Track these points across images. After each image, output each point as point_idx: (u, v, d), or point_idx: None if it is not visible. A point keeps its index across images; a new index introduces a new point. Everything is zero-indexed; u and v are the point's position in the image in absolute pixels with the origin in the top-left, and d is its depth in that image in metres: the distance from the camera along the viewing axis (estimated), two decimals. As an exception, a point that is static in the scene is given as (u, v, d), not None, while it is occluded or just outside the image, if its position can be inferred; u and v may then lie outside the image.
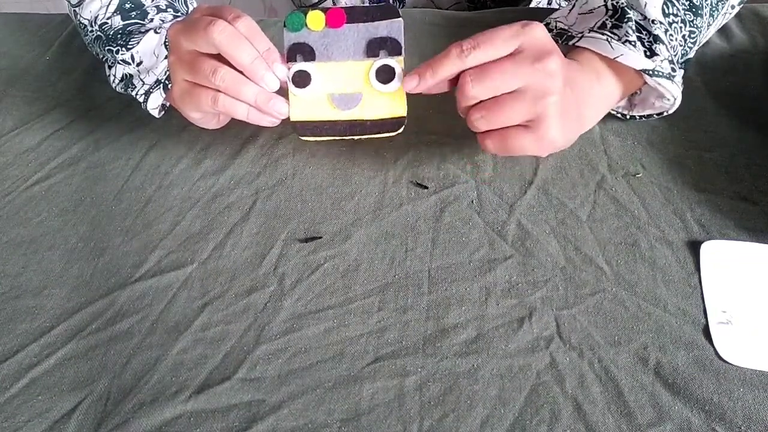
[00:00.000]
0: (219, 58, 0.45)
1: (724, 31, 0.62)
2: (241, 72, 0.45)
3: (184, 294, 0.47)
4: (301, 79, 0.47)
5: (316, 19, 0.47)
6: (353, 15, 0.47)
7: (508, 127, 0.44)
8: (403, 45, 0.47)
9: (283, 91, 0.48)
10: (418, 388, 0.41)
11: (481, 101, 0.44)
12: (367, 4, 0.47)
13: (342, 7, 0.47)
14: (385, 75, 0.47)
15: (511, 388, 0.41)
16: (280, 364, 0.43)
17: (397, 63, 0.47)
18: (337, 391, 0.41)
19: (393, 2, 0.76)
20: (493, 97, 0.43)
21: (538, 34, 0.43)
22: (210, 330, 0.45)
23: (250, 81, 0.46)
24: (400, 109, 0.47)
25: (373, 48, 0.47)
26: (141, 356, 0.44)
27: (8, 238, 0.52)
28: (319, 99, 0.48)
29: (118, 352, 0.44)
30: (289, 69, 0.47)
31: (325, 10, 0.47)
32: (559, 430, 0.39)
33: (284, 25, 0.47)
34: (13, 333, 0.46)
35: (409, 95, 0.47)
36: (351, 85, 0.47)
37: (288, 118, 0.48)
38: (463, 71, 0.43)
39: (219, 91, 0.46)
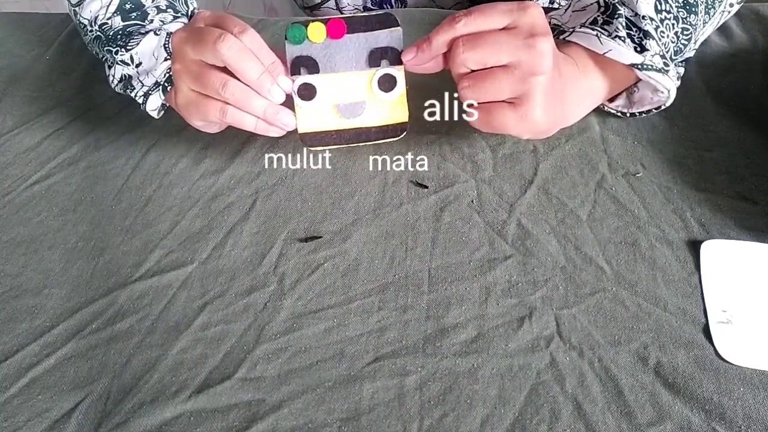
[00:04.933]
0: (225, 69, 0.46)
1: (724, 30, 0.62)
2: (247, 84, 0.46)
3: (184, 294, 0.47)
4: (307, 92, 0.48)
5: (316, 31, 0.47)
6: (353, 25, 0.47)
7: (493, 102, 0.45)
8: None
9: (288, 102, 0.48)
10: (418, 387, 0.41)
11: (472, 71, 0.45)
12: (366, 13, 0.47)
13: (341, 18, 0.48)
14: (387, 83, 0.48)
15: (511, 388, 0.41)
16: (280, 364, 0.43)
17: (398, 71, 0.48)
18: (337, 390, 0.41)
19: (395, 2, 0.76)
20: (483, 69, 0.44)
21: (533, 14, 0.44)
22: (210, 330, 0.45)
23: (258, 94, 0.47)
24: (402, 116, 0.49)
25: (375, 58, 0.48)
26: (141, 356, 0.44)
27: (8, 238, 0.52)
28: (325, 109, 0.49)
29: (118, 351, 0.44)
30: (293, 82, 0.48)
31: (325, 21, 0.47)
32: (559, 430, 0.39)
33: (285, 38, 0.48)
34: (13, 333, 0.46)
35: (410, 98, 0.49)
36: (355, 95, 0.49)
37: (295, 129, 0.49)
38: (456, 38, 0.44)
39: (227, 103, 0.47)
